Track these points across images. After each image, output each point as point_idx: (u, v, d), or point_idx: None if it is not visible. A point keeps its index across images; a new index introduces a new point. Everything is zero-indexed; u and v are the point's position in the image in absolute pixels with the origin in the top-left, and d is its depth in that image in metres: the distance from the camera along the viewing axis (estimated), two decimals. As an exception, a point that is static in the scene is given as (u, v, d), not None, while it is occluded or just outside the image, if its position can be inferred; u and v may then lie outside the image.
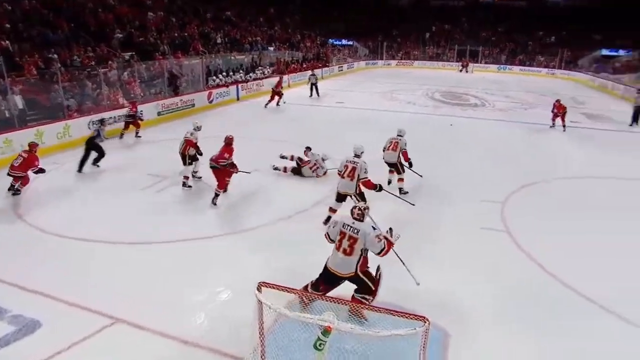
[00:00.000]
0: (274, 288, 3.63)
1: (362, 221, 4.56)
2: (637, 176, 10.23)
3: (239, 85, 19.72)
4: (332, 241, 4.63)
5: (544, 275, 5.93)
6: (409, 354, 3.46)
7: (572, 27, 40.06)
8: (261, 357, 3.97)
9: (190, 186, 8.74)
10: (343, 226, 4.55)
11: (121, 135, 12.64)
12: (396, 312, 3.60)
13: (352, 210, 4.68)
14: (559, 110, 14.88)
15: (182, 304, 5.13)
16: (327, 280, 4.63)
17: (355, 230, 4.47)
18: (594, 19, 39.31)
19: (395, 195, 7.73)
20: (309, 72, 23.19)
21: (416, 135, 10.64)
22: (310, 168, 9.44)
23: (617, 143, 13.87)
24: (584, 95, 26.01)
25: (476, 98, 22.52)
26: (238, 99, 19.45)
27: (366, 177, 6.76)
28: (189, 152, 8.66)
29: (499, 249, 6.68)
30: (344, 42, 43.77)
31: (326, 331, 3.18)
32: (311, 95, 20.92)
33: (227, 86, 18.87)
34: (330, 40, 42.15)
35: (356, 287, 4.61)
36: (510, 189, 8.96)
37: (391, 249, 4.61)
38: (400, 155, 8.34)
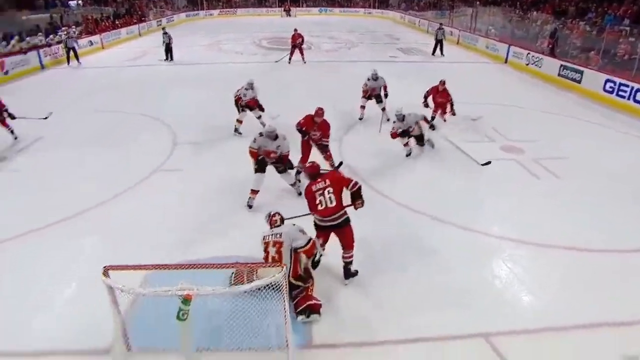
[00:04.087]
0: (122, 269, 3.36)
1: (280, 226, 4.50)
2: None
3: (40, 51, 16.93)
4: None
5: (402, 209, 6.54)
6: (274, 301, 3.54)
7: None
8: (126, 344, 3.74)
9: (240, 133, 8.99)
10: (264, 238, 4.44)
11: None
12: (253, 264, 3.66)
13: (270, 220, 4.60)
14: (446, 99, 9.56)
15: (20, 313, 4.42)
16: None
17: (278, 234, 4.35)
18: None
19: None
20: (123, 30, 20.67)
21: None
22: None
23: (425, 71, 15.57)
24: (397, 31, 28.58)
25: (302, 42, 22.97)
26: (42, 67, 16.71)
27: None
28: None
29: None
30: (159, -7, 40.34)
31: (186, 300, 3.09)
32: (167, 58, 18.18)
33: (25, 52, 16.05)
34: (143, -8, 38.49)
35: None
36: (342, 129, 9.42)
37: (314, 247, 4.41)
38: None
